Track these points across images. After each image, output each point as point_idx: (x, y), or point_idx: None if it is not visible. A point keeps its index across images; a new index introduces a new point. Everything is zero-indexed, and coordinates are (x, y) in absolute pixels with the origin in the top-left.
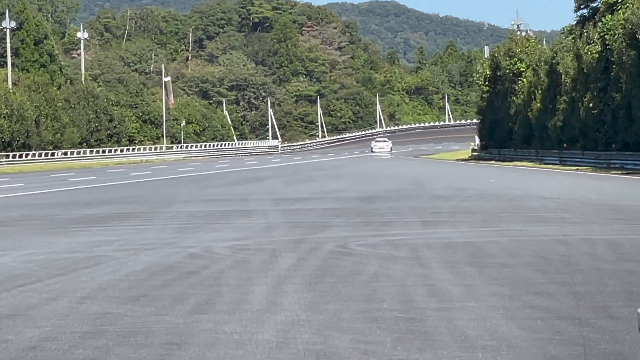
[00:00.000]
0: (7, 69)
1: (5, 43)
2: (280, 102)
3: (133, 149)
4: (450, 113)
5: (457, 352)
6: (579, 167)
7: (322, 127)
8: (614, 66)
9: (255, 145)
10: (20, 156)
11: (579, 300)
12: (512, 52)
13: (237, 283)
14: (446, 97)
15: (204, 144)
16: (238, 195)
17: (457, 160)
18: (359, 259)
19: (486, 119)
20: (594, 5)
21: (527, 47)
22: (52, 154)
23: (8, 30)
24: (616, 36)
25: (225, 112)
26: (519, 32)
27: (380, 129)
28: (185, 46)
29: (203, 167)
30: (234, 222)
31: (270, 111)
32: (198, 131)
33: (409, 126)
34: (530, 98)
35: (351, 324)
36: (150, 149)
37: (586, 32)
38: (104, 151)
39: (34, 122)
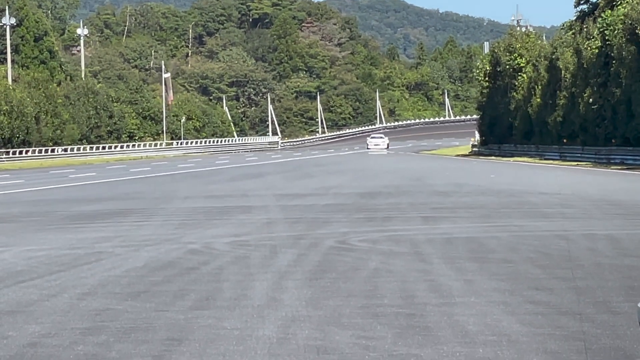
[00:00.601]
0: (7, 65)
1: (5, 40)
2: (280, 98)
3: (133, 146)
4: (450, 109)
5: (457, 347)
6: (579, 163)
7: (322, 123)
8: (613, 61)
9: (255, 141)
10: (21, 153)
11: (579, 295)
12: (512, 47)
13: (238, 279)
14: (446, 92)
15: (204, 140)
16: (238, 191)
17: (457, 155)
18: (360, 255)
19: (486, 115)
20: (594, 0)
21: (527, 42)
22: (52, 151)
23: (8, 26)
24: (616, 31)
25: (225, 109)
26: (518, 28)
27: (380, 125)
28: (185, 42)
29: (203, 163)
30: (234, 218)
31: (270, 107)
32: (198, 127)
33: (409, 122)
34: (530, 93)
35: (352, 319)
36: (150, 145)
37: (586, 27)
38: (104, 147)
39: (34, 119)
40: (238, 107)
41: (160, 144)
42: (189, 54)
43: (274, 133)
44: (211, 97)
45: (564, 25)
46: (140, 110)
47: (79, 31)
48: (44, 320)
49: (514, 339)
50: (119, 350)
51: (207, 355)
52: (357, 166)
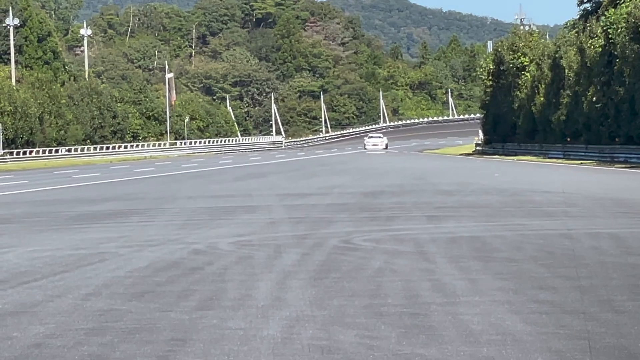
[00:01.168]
0: (11, 66)
1: (9, 40)
2: (284, 98)
3: (137, 146)
4: (453, 108)
5: (461, 346)
6: (582, 161)
7: (325, 122)
8: (617, 60)
9: (259, 141)
10: (24, 153)
11: (583, 294)
12: (516, 46)
13: (242, 279)
14: (449, 91)
15: (207, 140)
16: (242, 191)
17: (461, 154)
18: (364, 254)
19: (490, 114)
20: None
21: (531, 41)
22: (56, 151)
23: (12, 27)
24: (619, 30)
25: (229, 108)
26: (522, 27)
27: (384, 124)
28: (189, 42)
29: (207, 163)
30: (238, 217)
31: (273, 107)
32: (202, 127)
33: (412, 121)
34: (533, 92)
35: (356, 319)
36: (154, 145)
37: (589, 26)
38: (107, 148)
39: (37, 119)
40: (242, 107)
41: (164, 144)
42: (193, 54)
43: (278, 133)
44: (215, 97)
45: (567, 23)
46: (144, 111)
47: (82, 31)
48: (48, 320)
49: (518, 338)
50: (123, 350)
51: (212, 355)
52: (360, 165)
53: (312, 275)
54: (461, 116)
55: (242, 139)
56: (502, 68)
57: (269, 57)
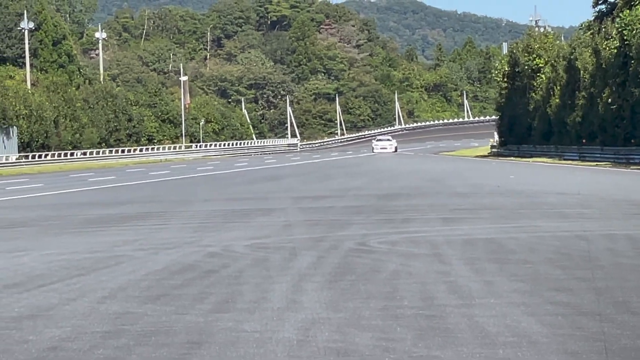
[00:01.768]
0: (26, 69)
1: (24, 44)
2: (299, 100)
3: (152, 149)
4: (469, 110)
5: (477, 348)
6: (598, 163)
7: (341, 125)
8: (632, 61)
9: (274, 143)
10: (40, 156)
11: (599, 295)
12: (531, 48)
13: (257, 282)
14: (465, 93)
15: (223, 142)
16: (257, 194)
17: (476, 156)
18: (379, 257)
19: (505, 115)
20: (612, 0)
21: (546, 43)
22: (72, 154)
23: (27, 30)
24: (634, 31)
25: (244, 111)
26: (537, 28)
27: (399, 126)
28: (204, 45)
29: (222, 166)
30: (253, 220)
31: (289, 109)
32: (217, 130)
33: (427, 123)
34: (549, 94)
35: (371, 321)
36: (169, 148)
37: (604, 27)
38: (123, 151)
39: (52, 123)
40: (257, 110)
41: (179, 147)
42: (208, 57)
43: (293, 135)
44: (230, 100)
45: (582, 25)
46: (159, 114)
47: (97, 35)
48: (64, 324)
49: (534, 339)
50: (139, 353)
51: (227, 358)
52: (375, 168)
53: (327, 278)
54: (476, 118)
55: (258, 142)
56: (517, 70)
57: (284, 59)
